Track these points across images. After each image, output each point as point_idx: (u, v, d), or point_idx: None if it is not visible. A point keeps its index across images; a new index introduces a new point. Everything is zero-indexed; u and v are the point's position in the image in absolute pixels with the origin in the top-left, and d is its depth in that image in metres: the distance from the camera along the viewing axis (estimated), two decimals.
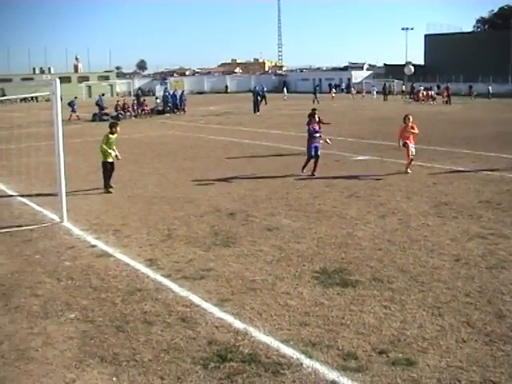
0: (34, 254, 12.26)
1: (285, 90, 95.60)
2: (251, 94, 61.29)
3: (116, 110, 54.18)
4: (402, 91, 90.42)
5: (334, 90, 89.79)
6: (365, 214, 15.07)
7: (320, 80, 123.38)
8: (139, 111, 56.87)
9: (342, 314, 8.88)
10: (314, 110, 22.84)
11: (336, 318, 8.74)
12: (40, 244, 13.07)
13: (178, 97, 61.36)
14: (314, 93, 74.60)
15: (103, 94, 60.74)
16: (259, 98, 58.64)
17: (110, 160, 19.39)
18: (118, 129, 20.06)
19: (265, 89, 68.67)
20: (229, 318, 8.81)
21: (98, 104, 56.31)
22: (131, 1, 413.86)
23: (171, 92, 63.54)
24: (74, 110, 53.08)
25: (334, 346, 7.80)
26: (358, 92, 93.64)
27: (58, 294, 10.13)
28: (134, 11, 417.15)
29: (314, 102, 69.81)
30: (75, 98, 58.09)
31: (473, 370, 7.10)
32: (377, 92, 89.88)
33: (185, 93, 64.37)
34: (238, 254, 11.98)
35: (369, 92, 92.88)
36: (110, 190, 19.03)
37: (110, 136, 19.54)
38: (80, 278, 10.89)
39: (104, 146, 19.27)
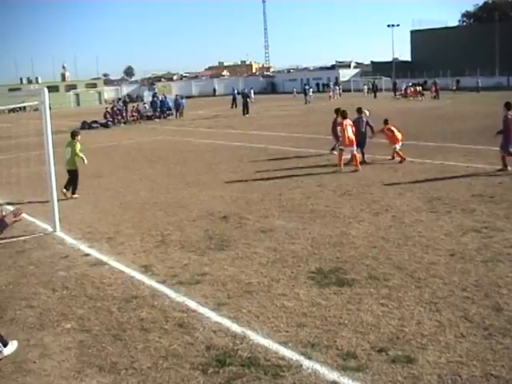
0: (27, 265, 12.20)
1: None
2: (240, 97, 61.37)
3: (105, 116, 54.05)
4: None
5: (336, 88, 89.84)
6: (358, 212, 15.06)
7: (308, 80, 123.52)
8: (128, 117, 56.74)
9: (339, 313, 8.85)
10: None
11: (334, 317, 8.71)
12: (33, 255, 13.00)
13: (170, 102, 61.36)
14: (304, 93, 74.56)
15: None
16: (248, 99, 58.64)
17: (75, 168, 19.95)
18: (80, 137, 20.72)
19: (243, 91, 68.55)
20: (226, 322, 8.77)
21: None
22: (117, 8, 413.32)
23: (160, 97, 63.42)
24: None
25: (332, 346, 7.78)
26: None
27: (54, 304, 10.07)
28: (119, 18, 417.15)
29: (305, 102, 69.97)
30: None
31: (473, 364, 7.09)
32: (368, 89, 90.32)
33: (179, 97, 64.19)
34: (232, 258, 11.94)
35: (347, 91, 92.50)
36: (75, 196, 19.64)
37: (78, 143, 20.19)
38: (75, 287, 10.83)
39: (80, 154, 19.85)
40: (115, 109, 57.74)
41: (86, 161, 20.01)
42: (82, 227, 15.32)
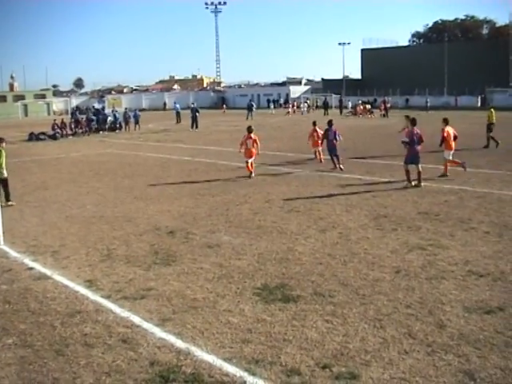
0: None
1: (224, 106, 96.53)
2: (189, 111, 61.37)
3: (53, 128, 53.47)
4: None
5: (292, 104, 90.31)
6: (305, 229, 15.12)
7: (258, 95, 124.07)
8: (76, 130, 56.23)
9: (284, 329, 8.86)
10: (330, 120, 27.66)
11: (278, 333, 8.72)
12: None
13: (118, 115, 61.24)
14: (248, 109, 74.72)
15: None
16: (197, 114, 58.55)
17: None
18: (4, 144, 20.66)
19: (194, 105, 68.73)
20: (170, 338, 8.71)
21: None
22: (67, 18, 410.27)
23: (100, 110, 63.69)
24: None
25: (277, 363, 7.77)
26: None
27: None
28: (69, 28, 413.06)
29: (247, 118, 70.12)
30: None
31: (416, 380, 7.16)
32: (308, 106, 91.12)
33: (133, 111, 64.05)
34: (178, 273, 11.88)
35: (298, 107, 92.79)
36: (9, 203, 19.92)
37: (3, 151, 20.16)
38: (17, 301, 10.65)
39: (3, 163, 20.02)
40: (72, 120, 57.73)
41: (5, 174, 20.20)
42: (27, 240, 15.08)
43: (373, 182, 22.17)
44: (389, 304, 9.73)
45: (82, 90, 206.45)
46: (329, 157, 25.57)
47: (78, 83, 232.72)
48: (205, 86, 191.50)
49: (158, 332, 8.96)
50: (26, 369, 7.98)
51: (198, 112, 59.42)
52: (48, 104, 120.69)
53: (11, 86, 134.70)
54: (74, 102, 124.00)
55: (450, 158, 23.19)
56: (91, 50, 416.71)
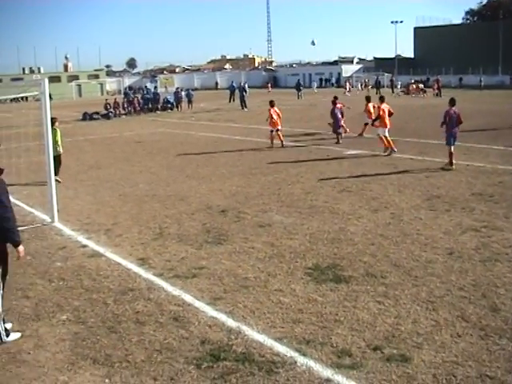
0: (25, 255, 12.14)
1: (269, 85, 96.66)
2: (237, 91, 61.45)
3: (106, 108, 53.95)
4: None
5: (348, 84, 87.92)
6: (357, 209, 15.02)
7: (310, 75, 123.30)
8: (129, 109, 56.66)
9: (335, 310, 8.83)
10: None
11: (330, 314, 8.69)
12: (31, 245, 12.95)
13: (170, 96, 61.70)
14: (298, 88, 74.21)
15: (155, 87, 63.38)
16: (245, 93, 58.31)
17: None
18: (57, 123, 21.58)
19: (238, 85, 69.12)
20: (222, 317, 8.75)
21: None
22: None
23: (152, 90, 64.24)
24: None
25: (328, 343, 7.75)
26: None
27: (50, 295, 10.07)
28: (123, 9, 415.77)
29: (298, 97, 69.81)
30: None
31: (468, 364, 7.06)
32: (361, 86, 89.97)
33: (185, 90, 64.63)
34: (230, 252, 11.92)
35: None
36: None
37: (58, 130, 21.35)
38: (71, 278, 10.82)
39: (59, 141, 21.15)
40: (125, 99, 58.37)
41: (61, 150, 21.22)
42: (81, 218, 15.30)
43: (426, 162, 21.89)
44: (441, 286, 9.62)
45: (135, 70, 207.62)
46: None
47: (131, 63, 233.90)
48: (256, 65, 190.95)
49: (209, 311, 9.01)
50: (79, 344, 8.11)
51: (246, 91, 59.24)
52: (101, 84, 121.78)
53: (65, 67, 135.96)
54: (127, 81, 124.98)
55: (386, 134, 24.26)
56: (144, 30, 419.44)
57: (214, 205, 16.09)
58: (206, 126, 41.28)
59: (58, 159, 20.68)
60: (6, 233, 8.14)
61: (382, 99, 25.49)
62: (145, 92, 63.49)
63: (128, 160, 25.65)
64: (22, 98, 65.52)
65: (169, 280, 10.45)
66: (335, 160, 23.12)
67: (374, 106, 28.95)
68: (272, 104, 29.09)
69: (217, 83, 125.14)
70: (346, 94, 76.56)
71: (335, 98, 30.27)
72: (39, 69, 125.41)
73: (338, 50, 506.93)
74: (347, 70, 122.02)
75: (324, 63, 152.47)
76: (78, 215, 15.66)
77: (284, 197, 16.76)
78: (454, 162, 20.40)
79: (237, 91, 63.77)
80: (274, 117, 28.33)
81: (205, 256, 11.72)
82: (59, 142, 21.18)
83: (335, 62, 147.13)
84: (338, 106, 29.72)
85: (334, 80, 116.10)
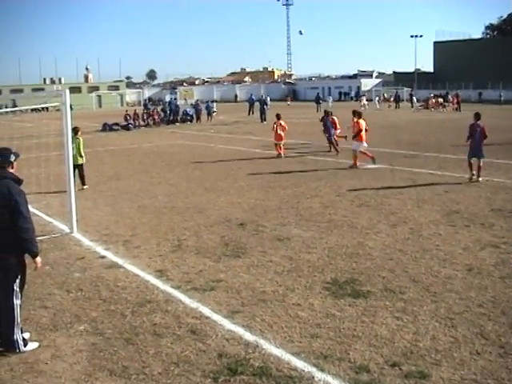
0: (43, 265, 12.15)
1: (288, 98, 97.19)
2: (258, 103, 61.70)
3: (126, 119, 54.21)
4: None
5: (364, 98, 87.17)
6: (375, 224, 14.98)
7: (329, 88, 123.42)
8: (149, 121, 56.92)
9: (353, 325, 8.79)
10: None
11: (348, 329, 8.65)
12: (50, 255, 13.02)
13: (189, 109, 62.07)
14: (317, 102, 74.23)
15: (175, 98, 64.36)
16: (265, 106, 58.41)
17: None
18: (80, 133, 22.42)
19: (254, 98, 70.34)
20: (239, 330, 8.73)
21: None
22: (141, 11, 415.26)
23: (174, 102, 64.65)
24: None
25: (345, 359, 7.71)
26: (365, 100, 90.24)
27: (68, 305, 10.09)
28: (143, 21, 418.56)
29: (317, 110, 69.83)
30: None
31: (487, 382, 7.01)
32: (378, 100, 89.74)
33: (205, 102, 65.37)
34: (248, 265, 11.90)
35: (370, 100, 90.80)
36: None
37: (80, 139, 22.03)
38: (90, 289, 10.84)
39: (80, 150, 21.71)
40: (144, 111, 58.78)
41: (81, 160, 21.62)
42: (99, 229, 15.35)
43: (445, 176, 21.81)
44: (460, 302, 9.55)
45: (155, 82, 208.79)
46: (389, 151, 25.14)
47: (151, 75, 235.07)
48: (275, 78, 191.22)
49: (227, 324, 8.99)
50: (96, 356, 8.11)
51: (267, 104, 59.36)
52: (121, 95, 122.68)
53: (86, 78, 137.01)
54: (147, 93, 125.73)
55: (361, 149, 25.29)
56: (164, 42, 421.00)
57: (233, 218, 16.09)
58: (225, 138, 41.36)
59: (80, 169, 21.00)
60: (24, 243, 8.18)
61: (359, 115, 26.09)
62: (166, 105, 63.74)
63: (147, 171, 25.73)
64: (42, 108, 66.22)
65: (187, 292, 10.44)
66: (354, 174, 23.08)
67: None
68: (278, 117, 30.40)
69: (236, 96, 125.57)
70: (362, 108, 76.67)
71: (326, 112, 33.06)
72: (60, 79, 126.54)
73: (357, 64, 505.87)
74: (366, 84, 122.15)
75: (343, 77, 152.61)
76: (97, 226, 15.71)
77: (303, 210, 16.73)
78: (474, 173, 20.89)
79: (257, 104, 64.08)
80: (279, 131, 29.63)
81: (223, 269, 11.71)
82: (82, 152, 21.60)
83: (354, 76, 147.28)
84: (332, 119, 32.00)
85: (353, 93, 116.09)
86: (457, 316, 8.99)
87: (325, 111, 33.48)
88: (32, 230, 8.33)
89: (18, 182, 8.35)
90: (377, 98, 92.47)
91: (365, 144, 25.46)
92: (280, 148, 29.55)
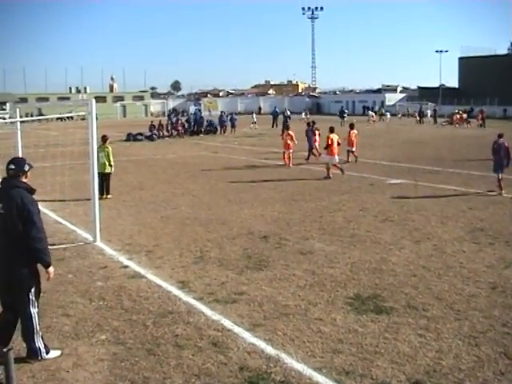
0: (66, 274, 12.27)
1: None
2: (281, 116, 61.91)
3: (150, 129, 54.44)
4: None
5: (372, 113, 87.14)
6: (399, 239, 14.90)
7: (353, 102, 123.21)
8: (173, 131, 57.15)
9: (375, 341, 8.73)
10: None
11: (370, 345, 8.59)
12: (73, 263, 13.09)
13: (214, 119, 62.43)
14: (341, 116, 74.05)
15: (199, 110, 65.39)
16: (288, 119, 58.48)
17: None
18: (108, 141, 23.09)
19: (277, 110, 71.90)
20: (261, 344, 8.70)
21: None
22: (166, 23, 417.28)
23: (199, 113, 65.04)
24: None
25: (367, 375, 7.66)
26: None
27: (90, 314, 10.12)
28: (169, 33, 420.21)
29: (341, 125, 69.69)
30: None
31: None
32: (402, 115, 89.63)
33: (232, 114, 65.84)
34: (270, 278, 11.87)
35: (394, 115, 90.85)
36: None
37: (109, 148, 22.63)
38: (112, 298, 10.87)
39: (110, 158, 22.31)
40: (169, 121, 59.12)
41: (109, 170, 22.13)
42: (122, 239, 15.40)
43: (469, 193, 21.69)
44: (484, 321, 9.46)
45: (179, 93, 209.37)
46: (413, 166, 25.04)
47: (175, 86, 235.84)
48: (300, 91, 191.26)
49: (249, 337, 8.97)
50: (117, 365, 8.12)
51: (290, 118, 59.47)
52: (146, 105, 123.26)
53: (111, 87, 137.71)
54: (171, 104, 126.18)
55: (334, 162, 27.03)
56: (189, 53, 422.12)
57: (256, 230, 16.08)
58: (249, 150, 41.38)
59: (107, 178, 21.19)
60: (37, 253, 8.22)
61: (331, 129, 28.20)
62: (191, 116, 64.08)
63: (170, 182, 25.82)
64: (67, 116, 66.70)
65: (209, 304, 10.44)
66: (378, 189, 23.00)
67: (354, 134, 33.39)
68: (288, 127, 35.43)
69: (260, 108, 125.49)
70: (371, 122, 76.66)
71: (312, 122, 37.47)
72: (85, 88, 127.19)
73: (381, 78, 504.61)
74: (391, 99, 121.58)
75: (367, 91, 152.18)
76: (120, 235, 15.77)
77: (326, 224, 16.69)
78: (502, 187, 21.41)
79: (280, 116, 64.24)
80: (288, 141, 31.65)
81: (245, 281, 11.70)
82: (112, 162, 22.22)
83: (379, 90, 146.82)
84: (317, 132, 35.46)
85: (376, 108, 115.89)
86: (480, 335, 8.91)
87: (307, 123, 37.29)
88: (45, 239, 8.37)
89: (31, 191, 8.39)
90: (400, 113, 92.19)
91: (336, 158, 27.24)
92: (288, 157, 31.57)
